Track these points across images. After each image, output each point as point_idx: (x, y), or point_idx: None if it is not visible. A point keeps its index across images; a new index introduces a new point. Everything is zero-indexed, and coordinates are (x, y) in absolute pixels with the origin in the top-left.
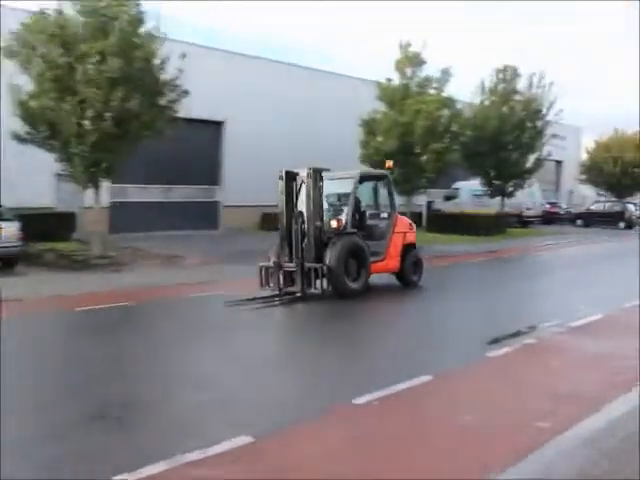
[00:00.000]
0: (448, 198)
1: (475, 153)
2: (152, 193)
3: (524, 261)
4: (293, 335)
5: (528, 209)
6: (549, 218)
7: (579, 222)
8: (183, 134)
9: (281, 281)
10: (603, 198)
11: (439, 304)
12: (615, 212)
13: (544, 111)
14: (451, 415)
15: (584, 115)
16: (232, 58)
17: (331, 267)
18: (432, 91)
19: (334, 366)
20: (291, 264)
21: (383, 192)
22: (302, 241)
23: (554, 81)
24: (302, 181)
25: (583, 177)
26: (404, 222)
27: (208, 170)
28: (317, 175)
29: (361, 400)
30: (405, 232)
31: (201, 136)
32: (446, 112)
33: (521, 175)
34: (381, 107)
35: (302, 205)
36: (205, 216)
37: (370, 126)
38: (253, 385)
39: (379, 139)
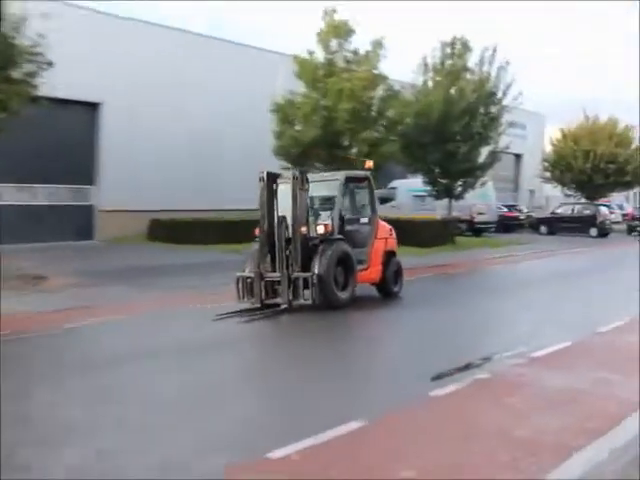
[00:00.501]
0: (383, 200)
1: (416, 145)
2: (6, 194)
3: (477, 277)
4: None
5: (481, 213)
6: (506, 224)
7: (543, 229)
8: (47, 118)
9: (262, 292)
10: (571, 199)
11: (374, 331)
12: (586, 216)
13: (500, 94)
14: (387, 470)
15: (548, 100)
16: (114, 22)
17: (321, 276)
18: (362, 68)
19: (256, 408)
20: (275, 274)
21: (364, 195)
22: (286, 248)
23: (512, 59)
24: (284, 183)
25: (547, 174)
26: (385, 228)
27: (80, 165)
28: (304, 177)
29: (278, 453)
30: (386, 238)
31: (71, 121)
32: (380, 93)
33: (472, 172)
34: (300, 87)
35: (284, 209)
36: (76, 223)
37: (286, 112)
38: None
39: (297, 127)
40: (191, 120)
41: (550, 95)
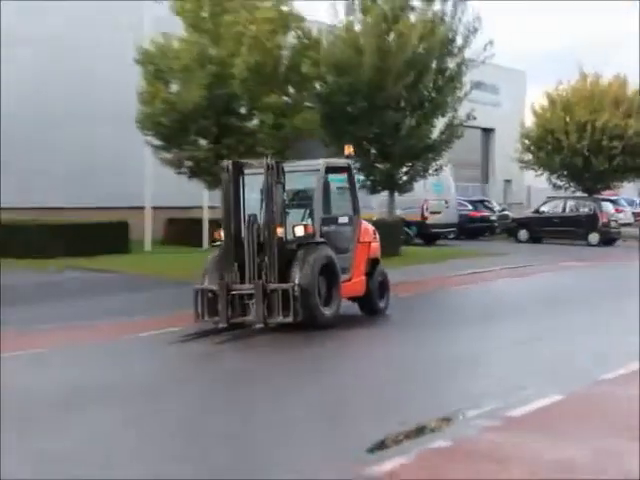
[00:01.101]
0: (295, 194)
1: (341, 115)
2: None
3: (429, 304)
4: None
5: (435, 213)
6: (472, 228)
7: (522, 235)
8: None
9: (229, 310)
10: (562, 193)
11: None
12: (583, 217)
13: (460, 42)
14: None
15: (530, 53)
16: None
17: (304, 287)
18: (266, 2)
19: None
20: (245, 286)
21: (344, 189)
22: (258, 255)
23: None
24: (252, 174)
25: (528, 157)
26: (368, 230)
27: None
28: (279, 168)
29: None
30: (369, 242)
31: None
32: (292, 41)
33: (422, 153)
34: (179, 29)
35: (254, 207)
36: None
37: (157, 64)
38: None
39: (174, 87)
40: (36, 77)
41: (533, 46)
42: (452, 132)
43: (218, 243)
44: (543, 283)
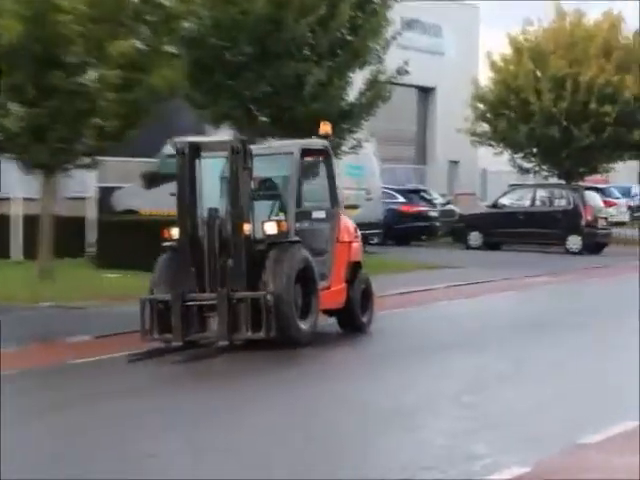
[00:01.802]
0: (153, 179)
1: (218, 64)
2: None
3: (351, 335)
4: None
5: (351, 207)
6: (404, 229)
7: (475, 238)
8: None
9: (184, 324)
10: (531, 179)
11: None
12: (559, 212)
13: None
14: None
15: None
16: None
17: (279, 296)
18: None
19: None
20: (205, 295)
21: (320, 176)
22: (221, 257)
23: None
24: (210, 157)
25: (483, 127)
26: (348, 227)
27: None
28: (246, 149)
29: None
30: (350, 242)
31: None
32: None
33: (332, 122)
34: None
35: (214, 198)
36: None
37: None
38: None
39: None
40: None
41: None
42: (376, 92)
43: (169, 243)
44: (502, 307)
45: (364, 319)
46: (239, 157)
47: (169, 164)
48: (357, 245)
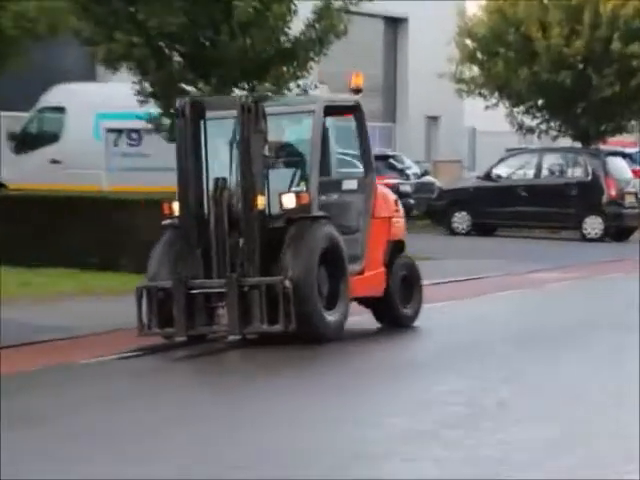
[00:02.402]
0: (23, 139)
1: None
2: None
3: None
4: None
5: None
6: None
7: (461, 220)
8: None
9: (188, 316)
10: (536, 142)
11: None
12: (573, 186)
13: None
14: None
15: None
16: None
17: (299, 282)
18: None
19: None
20: (212, 282)
21: (350, 139)
22: (231, 236)
23: None
24: (218, 118)
25: (472, 72)
26: (388, 198)
27: None
28: (259, 109)
29: None
30: (390, 218)
31: None
32: None
33: (268, 64)
34: None
35: (222, 167)
36: None
37: None
38: None
39: None
40: None
41: None
42: (328, 24)
43: (169, 221)
44: (496, 314)
45: (407, 311)
46: (250, 118)
47: (47, 120)
48: (398, 221)
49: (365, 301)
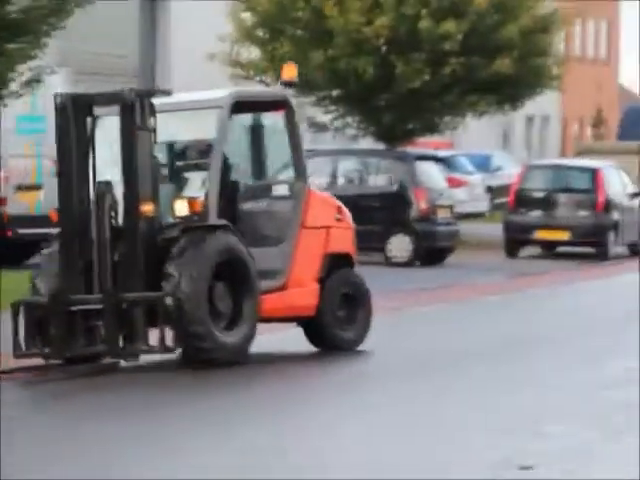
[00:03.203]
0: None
1: None
2: None
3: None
4: None
5: (27, 188)
6: None
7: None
8: None
9: (65, 336)
10: (329, 141)
11: None
12: (374, 197)
13: None
14: None
15: None
16: None
17: (184, 299)
18: None
19: None
20: (91, 297)
21: (278, 139)
22: (113, 247)
23: None
24: (108, 115)
25: (252, 53)
26: (325, 206)
27: None
28: (144, 103)
29: None
30: (327, 227)
31: None
32: None
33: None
34: None
35: (109, 169)
36: None
37: None
38: None
39: None
40: None
41: None
42: None
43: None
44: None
45: (347, 335)
46: (134, 114)
47: None
48: (339, 232)
49: (296, 318)
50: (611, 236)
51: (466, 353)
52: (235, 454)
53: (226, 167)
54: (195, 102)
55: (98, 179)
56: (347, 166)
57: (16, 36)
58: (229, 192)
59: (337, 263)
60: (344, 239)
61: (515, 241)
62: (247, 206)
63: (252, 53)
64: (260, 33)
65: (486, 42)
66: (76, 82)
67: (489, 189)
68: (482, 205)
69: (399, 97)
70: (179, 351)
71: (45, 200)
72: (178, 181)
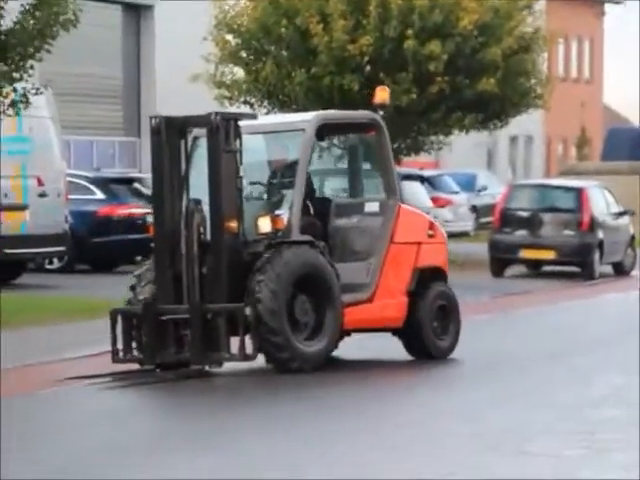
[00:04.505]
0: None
1: None
2: None
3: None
4: None
5: (12, 209)
6: (106, 245)
7: None
8: None
9: (155, 342)
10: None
11: None
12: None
13: None
14: None
15: None
16: None
17: (263, 311)
18: None
19: None
20: (179, 307)
21: (369, 159)
22: (201, 261)
23: None
24: (204, 137)
25: (237, 74)
26: (418, 221)
27: None
28: (230, 125)
29: None
30: (419, 243)
31: None
32: None
33: None
34: None
35: (199, 188)
36: None
37: None
38: None
39: None
40: None
41: None
42: (51, 12)
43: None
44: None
45: (441, 343)
46: (219, 137)
47: None
48: (431, 248)
49: (398, 332)
50: (596, 255)
51: (451, 372)
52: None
53: (313, 185)
54: (281, 124)
55: (190, 197)
56: (333, 185)
57: (0, 58)
58: (319, 209)
59: (430, 277)
60: (435, 254)
61: (500, 260)
62: (339, 222)
63: (236, 74)
64: (244, 54)
65: (470, 63)
66: (61, 104)
67: (474, 208)
68: (467, 225)
69: (385, 116)
70: (259, 359)
71: (30, 220)
72: (263, 199)
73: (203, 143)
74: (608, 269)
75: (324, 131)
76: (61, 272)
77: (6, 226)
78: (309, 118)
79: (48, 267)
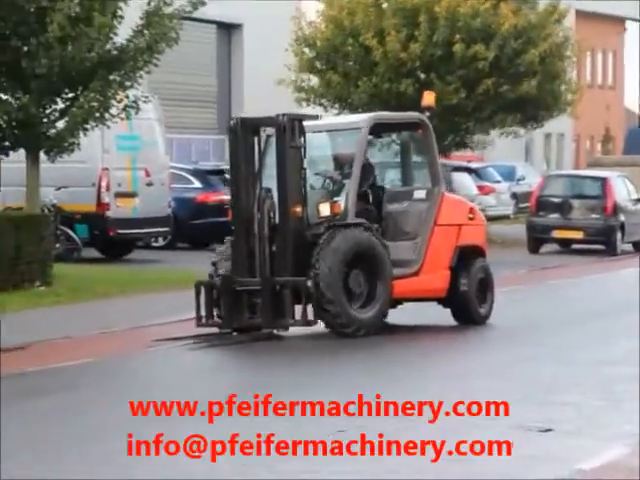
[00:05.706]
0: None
1: None
2: None
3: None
4: None
5: (125, 195)
6: (202, 226)
7: None
8: None
9: (231, 309)
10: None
11: None
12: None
13: None
14: None
15: None
16: None
17: (321, 283)
18: None
19: None
20: (252, 279)
21: (417, 152)
22: (271, 241)
23: None
24: (270, 136)
25: (313, 81)
26: (458, 207)
27: None
28: (294, 125)
29: None
30: (459, 225)
31: None
32: None
33: (90, 72)
34: None
35: (270, 178)
36: None
37: None
38: None
39: None
40: None
41: None
42: (158, 31)
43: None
44: None
45: (481, 310)
46: (286, 133)
47: None
48: (470, 229)
49: (443, 301)
50: (618, 235)
51: (488, 334)
52: None
53: (369, 175)
54: (342, 124)
55: (262, 186)
56: (392, 176)
57: (114, 70)
58: (376, 196)
59: (471, 254)
60: (475, 234)
61: (536, 239)
62: (391, 207)
63: (312, 80)
64: (318, 65)
65: (511, 67)
66: (165, 108)
67: (514, 195)
68: (508, 209)
69: (437, 115)
70: (319, 324)
71: (139, 205)
72: (325, 188)
73: (274, 140)
74: (629, 247)
75: (378, 129)
76: (164, 249)
77: (121, 210)
78: (365, 118)
79: (154, 245)
